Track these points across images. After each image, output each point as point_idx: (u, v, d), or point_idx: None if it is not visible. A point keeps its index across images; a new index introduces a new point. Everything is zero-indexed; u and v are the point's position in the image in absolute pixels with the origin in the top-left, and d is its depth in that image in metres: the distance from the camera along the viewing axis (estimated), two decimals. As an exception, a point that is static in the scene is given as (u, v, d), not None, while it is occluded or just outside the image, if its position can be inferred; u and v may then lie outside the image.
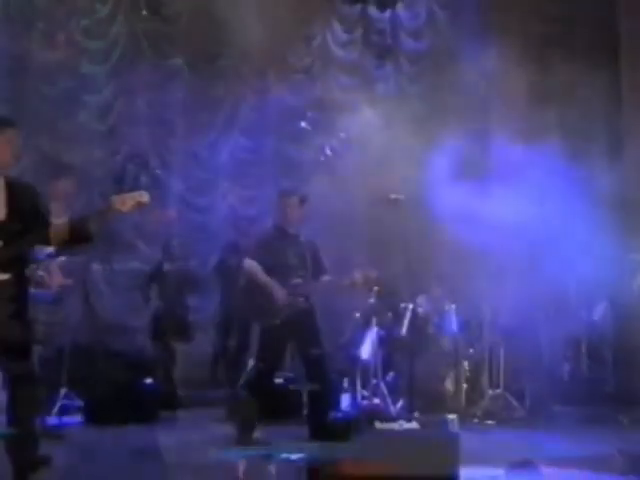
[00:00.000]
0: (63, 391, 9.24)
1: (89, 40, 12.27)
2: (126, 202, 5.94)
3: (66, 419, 9.10)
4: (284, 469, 6.59)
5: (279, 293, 7.94)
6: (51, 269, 8.96)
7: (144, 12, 12.25)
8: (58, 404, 9.11)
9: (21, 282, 6.03)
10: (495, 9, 13.61)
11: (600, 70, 12.43)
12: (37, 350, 7.19)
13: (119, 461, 7.26)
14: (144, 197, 6.02)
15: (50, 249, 7.88)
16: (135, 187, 11.51)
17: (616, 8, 12.47)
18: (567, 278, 10.45)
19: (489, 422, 10.03)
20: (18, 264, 5.97)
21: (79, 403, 9.38)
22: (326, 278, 8.35)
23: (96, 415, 9.21)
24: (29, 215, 5.99)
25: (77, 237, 6.06)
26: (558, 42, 13.04)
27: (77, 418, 9.28)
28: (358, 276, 8.32)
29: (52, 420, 8.76)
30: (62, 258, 9.07)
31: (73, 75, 12.19)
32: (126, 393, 9.59)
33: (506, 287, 11.21)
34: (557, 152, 11.58)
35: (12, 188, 6.05)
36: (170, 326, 10.82)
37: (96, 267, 11.79)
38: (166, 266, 10.96)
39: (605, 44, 12.58)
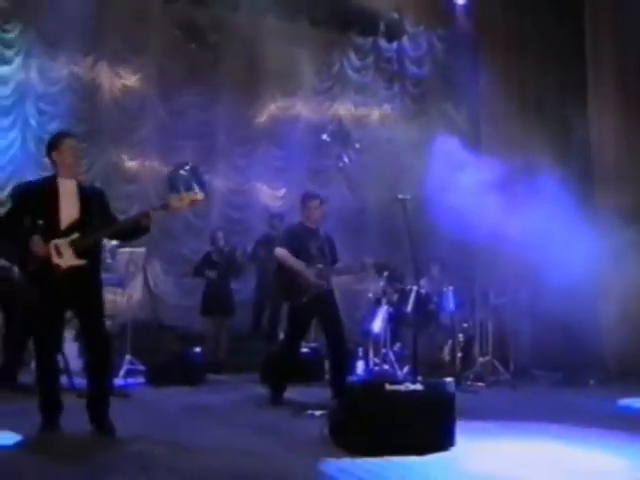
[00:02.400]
0: (128, 358, 9.30)
1: (146, 69, 12.36)
2: (183, 199, 6.03)
3: (130, 381, 9.16)
4: (310, 423, 6.67)
5: (308, 274, 7.96)
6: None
7: (194, 46, 12.28)
8: (124, 368, 9.18)
9: (95, 266, 6.14)
10: (483, 42, 13.58)
11: (570, 91, 12.44)
12: (107, 324, 7.22)
13: (173, 415, 7.37)
14: (198, 195, 6.10)
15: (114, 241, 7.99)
16: (186, 190, 11.60)
17: (585, 40, 12.43)
18: (545, 264, 10.41)
19: (479, 384, 10.01)
20: (93, 252, 6.07)
21: (141, 368, 9.45)
22: (339, 265, 8.37)
23: (155, 378, 9.28)
24: (98, 213, 6.08)
25: (136, 230, 6.18)
26: (534, 70, 13.02)
27: (139, 380, 9.35)
28: (368, 262, 8.38)
29: (119, 382, 8.79)
30: (126, 249, 9.16)
31: (136, 98, 12.29)
32: (179, 360, 9.62)
33: (494, 271, 11.22)
34: (536, 159, 11.56)
35: (83, 191, 6.15)
36: (217, 304, 10.85)
37: (154, 256, 11.83)
38: (214, 255, 11.00)
39: (574, 68, 12.54)
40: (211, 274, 10.86)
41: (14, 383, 8.08)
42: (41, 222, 5.88)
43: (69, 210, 5.99)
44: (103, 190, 6.55)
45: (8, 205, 6.43)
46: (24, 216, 5.95)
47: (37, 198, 6.00)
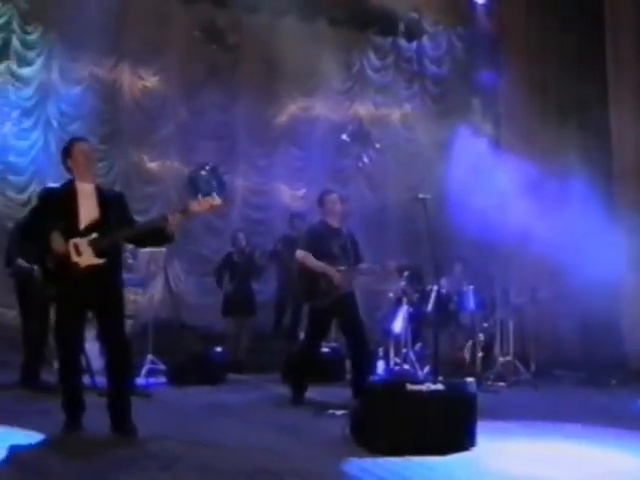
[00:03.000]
0: (149, 357, 9.32)
1: (167, 69, 12.43)
2: (202, 204, 6.03)
3: (152, 380, 9.16)
4: (331, 423, 6.68)
5: (332, 273, 7.91)
6: None
7: (214, 46, 12.34)
8: (145, 368, 9.20)
9: (114, 266, 6.16)
10: (503, 41, 13.53)
11: (591, 90, 12.37)
12: (128, 323, 7.25)
13: (195, 414, 7.40)
14: (217, 200, 6.09)
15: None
16: (207, 190, 11.65)
17: (605, 39, 12.39)
18: (565, 263, 10.38)
19: (500, 384, 9.97)
20: (112, 251, 6.09)
21: (162, 367, 9.47)
22: (364, 266, 8.34)
23: (176, 377, 9.30)
24: (118, 215, 6.12)
25: (156, 237, 6.19)
26: (555, 70, 12.98)
27: (161, 379, 9.36)
28: (391, 265, 8.39)
29: (141, 381, 8.82)
30: (147, 249, 9.20)
31: (156, 99, 12.35)
32: (200, 359, 9.65)
33: (514, 271, 11.19)
34: (557, 157, 11.53)
35: (102, 194, 6.19)
36: (238, 305, 10.86)
37: (174, 256, 11.88)
38: (235, 256, 11.02)
39: (595, 67, 12.51)
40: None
41: (37, 382, 8.13)
42: (61, 224, 5.93)
43: (88, 211, 6.04)
44: (122, 193, 6.61)
45: (31, 211, 6.49)
46: (45, 218, 6.00)
47: (57, 201, 6.07)
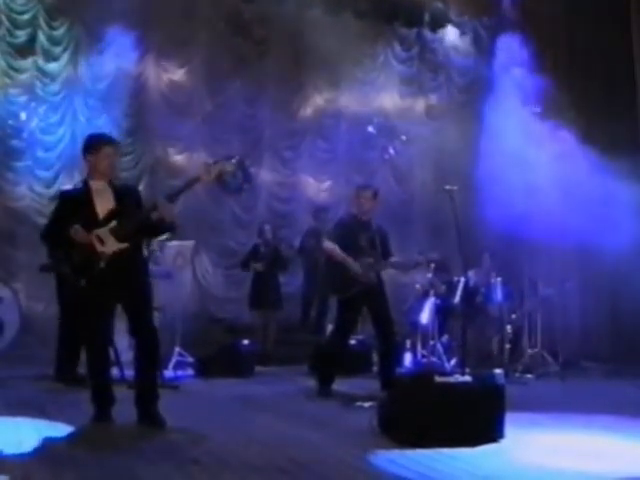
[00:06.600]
0: (177, 350, 9.40)
1: (193, 63, 12.45)
2: (211, 171, 6.05)
3: (180, 373, 9.27)
4: (359, 415, 6.70)
5: (354, 266, 7.93)
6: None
7: (240, 39, 12.36)
8: (173, 361, 9.28)
9: (137, 250, 6.28)
10: (529, 29, 13.41)
11: (618, 78, 12.29)
12: (155, 316, 7.30)
13: (222, 406, 7.44)
14: (227, 166, 6.11)
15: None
16: (232, 183, 11.70)
17: (631, 29, 12.29)
18: (593, 253, 10.33)
19: (528, 376, 9.97)
20: (133, 237, 6.15)
21: (190, 360, 9.55)
22: (393, 259, 8.36)
23: (204, 370, 9.37)
24: (133, 204, 6.21)
25: (159, 226, 6.27)
26: (581, 58, 12.89)
27: (189, 372, 9.45)
28: (422, 261, 8.44)
29: (169, 374, 8.91)
30: (174, 242, 9.25)
31: (182, 92, 12.38)
32: (228, 352, 9.68)
33: (542, 262, 11.13)
34: (583, 145, 11.44)
35: (115, 189, 6.26)
36: (265, 298, 10.88)
37: (202, 248, 11.92)
38: (261, 248, 11.04)
39: (621, 55, 12.42)
40: (257, 266, 10.90)
41: (73, 376, 8.14)
42: (80, 221, 6.00)
43: (104, 204, 6.13)
44: (135, 186, 6.68)
45: (51, 216, 6.53)
46: (65, 224, 6.04)
47: (74, 203, 6.15)
